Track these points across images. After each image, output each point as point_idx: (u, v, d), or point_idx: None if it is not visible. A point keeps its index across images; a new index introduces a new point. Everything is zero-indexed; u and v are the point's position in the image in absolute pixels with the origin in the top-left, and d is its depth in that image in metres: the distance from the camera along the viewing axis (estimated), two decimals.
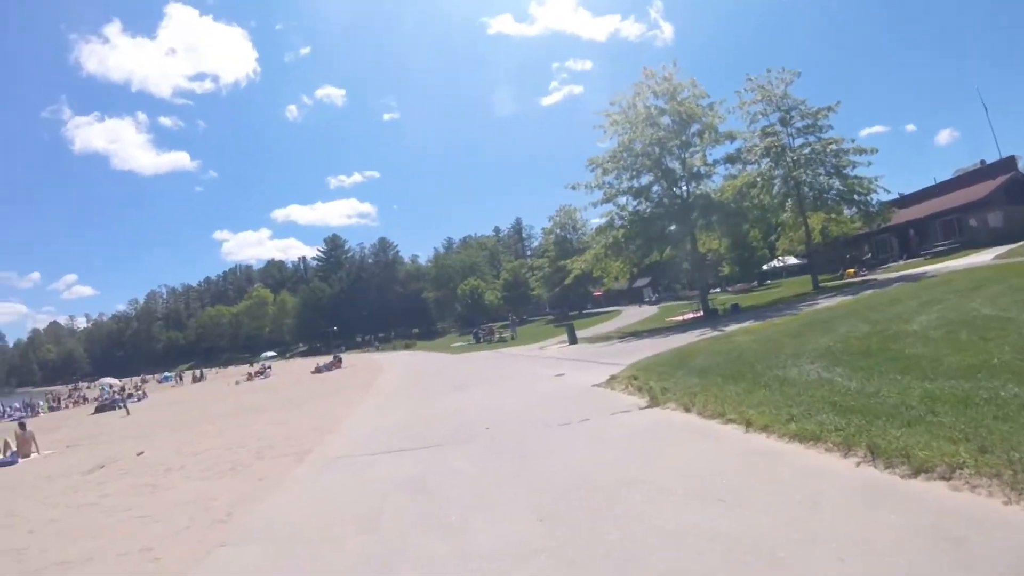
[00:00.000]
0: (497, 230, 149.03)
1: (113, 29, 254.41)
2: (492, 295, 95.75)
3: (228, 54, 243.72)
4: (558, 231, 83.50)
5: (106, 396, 46.66)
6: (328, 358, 57.65)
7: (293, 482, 8.32)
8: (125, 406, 36.23)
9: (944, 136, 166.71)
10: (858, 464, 5.04)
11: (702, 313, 32.80)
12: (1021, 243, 32.85)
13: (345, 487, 7.44)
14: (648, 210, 32.29)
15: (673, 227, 32.57)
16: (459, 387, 17.81)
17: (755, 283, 60.86)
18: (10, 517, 8.95)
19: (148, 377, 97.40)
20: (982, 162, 50.44)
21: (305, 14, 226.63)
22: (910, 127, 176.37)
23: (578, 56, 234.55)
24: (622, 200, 32.38)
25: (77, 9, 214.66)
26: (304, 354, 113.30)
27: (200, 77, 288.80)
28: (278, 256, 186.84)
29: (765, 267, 65.73)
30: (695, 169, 31.71)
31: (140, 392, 52.45)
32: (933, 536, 3.59)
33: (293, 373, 53.43)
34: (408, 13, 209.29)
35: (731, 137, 32.77)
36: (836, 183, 34.83)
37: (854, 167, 34.32)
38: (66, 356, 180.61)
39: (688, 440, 6.94)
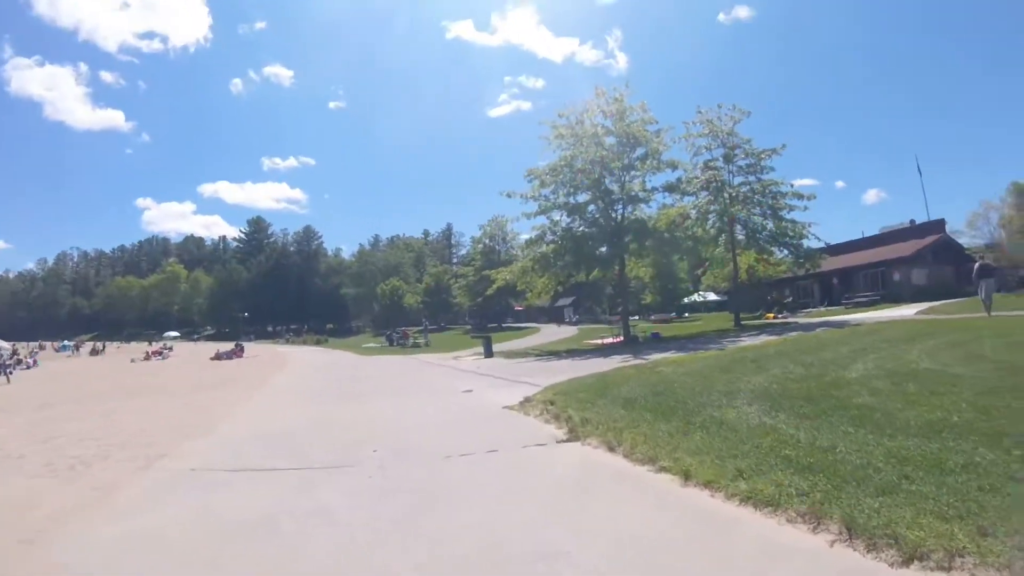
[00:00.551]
0: (426, 233, 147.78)
1: None
2: (412, 298, 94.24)
3: (182, 16, 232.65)
4: (487, 241, 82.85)
5: None
6: (231, 345, 54.96)
7: (121, 502, 6.65)
8: (7, 373, 33.31)
9: (871, 195, 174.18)
10: (832, 543, 4.04)
11: (622, 338, 32.05)
12: (942, 302, 33.77)
13: (177, 521, 5.73)
14: (581, 229, 31.47)
15: (604, 248, 31.82)
16: (358, 395, 16.32)
17: (674, 314, 61.13)
18: None
19: (46, 344, 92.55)
20: (912, 222, 52.26)
21: None
22: (839, 183, 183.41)
23: (532, 73, 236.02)
24: (556, 215, 31.48)
25: None
26: (211, 338, 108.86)
27: (149, 35, 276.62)
28: (200, 232, 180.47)
29: (686, 300, 66.49)
30: (633, 193, 31.04)
31: (31, 360, 48.90)
32: None
33: (193, 357, 50.89)
34: (370, 4, 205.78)
35: (673, 166, 32.23)
36: (770, 224, 34.84)
37: (790, 210, 34.46)
38: None
39: (617, 493, 5.72)
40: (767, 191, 34.85)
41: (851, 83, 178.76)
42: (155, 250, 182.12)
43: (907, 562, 3.61)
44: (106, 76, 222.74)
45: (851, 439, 6.04)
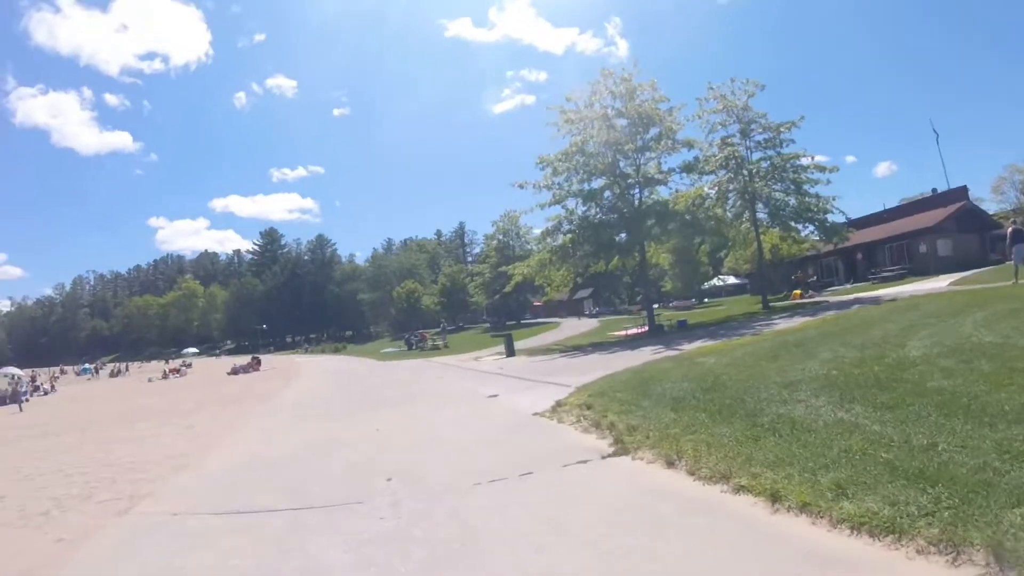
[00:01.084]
0: (439, 234, 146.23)
1: None
2: (429, 299, 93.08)
3: (181, 35, 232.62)
4: (500, 237, 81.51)
5: (6, 388, 42.48)
6: (247, 359, 54.12)
7: (79, 561, 5.54)
8: (20, 402, 32.60)
9: (883, 168, 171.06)
10: None
11: (647, 328, 30.77)
12: (973, 271, 32.37)
13: None
14: (599, 216, 30.16)
15: (623, 235, 30.56)
16: (375, 405, 15.13)
17: (694, 300, 59.70)
18: None
19: (67, 368, 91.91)
20: (934, 190, 50.55)
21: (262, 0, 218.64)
22: (850, 158, 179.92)
23: (533, 66, 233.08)
24: (571, 204, 30.08)
25: None
26: (232, 352, 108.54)
27: (150, 56, 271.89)
28: (215, 248, 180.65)
29: (705, 285, 65.10)
30: (650, 175, 29.70)
31: (48, 385, 48.25)
32: None
33: (211, 372, 49.94)
34: (366, 8, 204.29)
35: (689, 145, 30.86)
36: (792, 200, 33.47)
37: (814, 184, 33.10)
38: None
39: (690, 528, 4.50)
40: (788, 165, 33.52)
41: (855, 57, 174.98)
42: (170, 268, 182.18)
43: None
44: (110, 99, 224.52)
45: (949, 432, 5.11)
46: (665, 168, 30.44)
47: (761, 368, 9.95)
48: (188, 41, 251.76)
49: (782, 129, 33.91)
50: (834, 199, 33.27)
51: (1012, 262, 21.36)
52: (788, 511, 4.38)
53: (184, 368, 58.16)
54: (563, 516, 5.08)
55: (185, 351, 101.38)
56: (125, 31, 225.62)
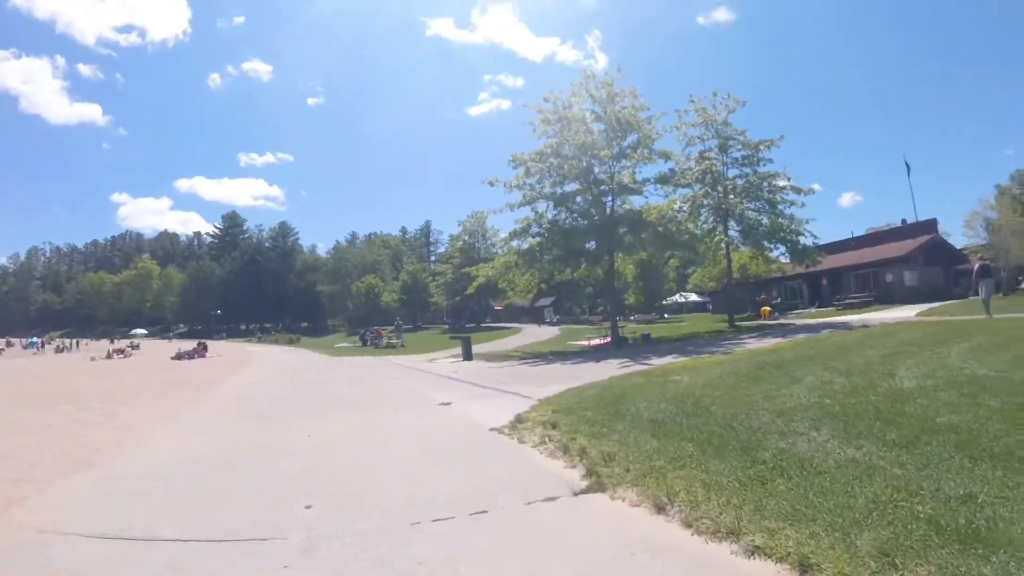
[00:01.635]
0: (404, 231, 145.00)
1: None
2: (389, 296, 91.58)
3: (161, 9, 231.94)
4: (466, 238, 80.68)
5: None
6: (194, 344, 52.25)
7: None
8: None
9: (847, 199, 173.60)
10: None
11: (610, 339, 29.85)
12: (939, 303, 32.97)
13: None
14: (568, 221, 29.16)
15: (593, 243, 29.58)
16: (312, 407, 13.68)
17: (655, 315, 59.17)
18: None
19: (14, 340, 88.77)
20: (903, 221, 50.92)
21: None
22: (815, 186, 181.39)
23: (511, 72, 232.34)
24: (542, 206, 29.08)
25: None
26: (184, 336, 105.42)
27: (128, 29, 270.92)
28: (177, 229, 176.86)
29: (666, 301, 64.84)
30: (624, 183, 28.84)
31: None
32: None
33: (156, 356, 47.68)
34: (350, 0, 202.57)
35: (665, 156, 30.17)
36: (764, 220, 32.96)
37: (790, 205, 32.73)
38: None
39: None
40: (764, 184, 33.13)
41: (827, 87, 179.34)
42: (128, 246, 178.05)
43: None
44: (83, 69, 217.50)
45: (981, 480, 4.45)
46: (640, 179, 29.68)
47: (744, 391, 9.14)
48: (167, 17, 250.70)
49: (761, 147, 33.45)
50: (807, 222, 33.04)
51: (980, 297, 21.67)
52: None
53: (130, 349, 56.35)
54: (523, 565, 3.98)
55: (133, 332, 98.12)
56: (104, 1, 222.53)
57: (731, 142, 34.05)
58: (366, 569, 4.06)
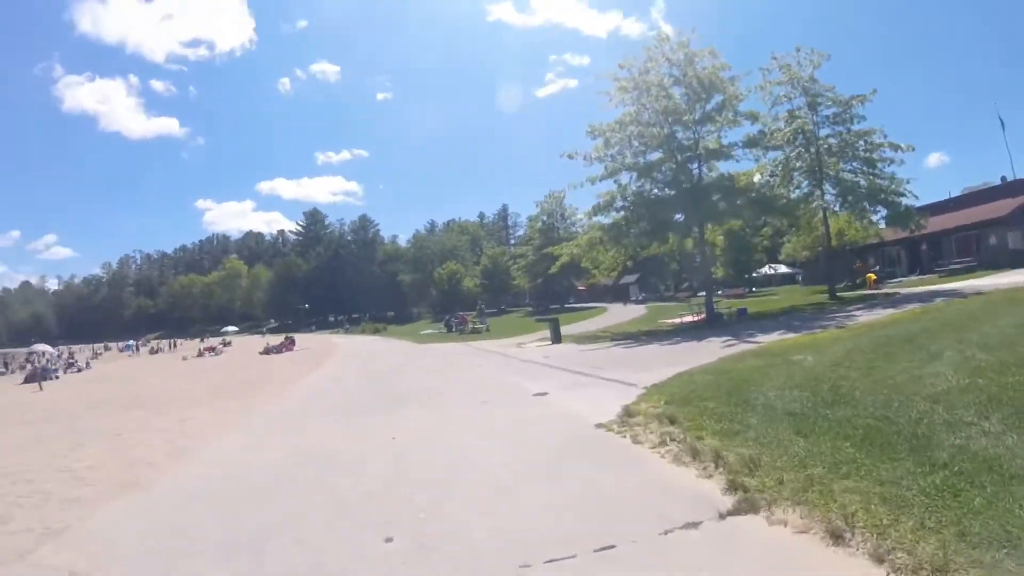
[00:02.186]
0: (482, 216, 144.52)
1: None
2: (471, 281, 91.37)
3: (225, 22, 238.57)
4: (545, 218, 79.34)
5: (37, 365, 41.91)
6: (281, 338, 53.07)
7: None
8: (47, 379, 31.64)
9: (934, 159, 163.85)
10: None
11: (704, 316, 28.22)
12: None
13: None
14: (654, 191, 27.74)
15: (682, 214, 28.10)
16: (398, 399, 12.86)
17: (744, 289, 56.59)
18: None
19: (111, 345, 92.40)
20: (1003, 179, 46.68)
21: None
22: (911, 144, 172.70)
23: (576, 51, 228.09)
24: (624, 178, 27.73)
25: None
26: (275, 330, 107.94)
27: (195, 43, 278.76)
28: (262, 229, 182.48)
29: (755, 273, 62.04)
30: (711, 148, 27.19)
31: (83, 363, 47.60)
32: None
33: (247, 352, 48.54)
34: None
35: (753, 117, 28.24)
36: (862, 181, 30.56)
37: (889, 163, 30.00)
38: (34, 318, 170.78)
39: None
40: (860, 142, 30.54)
41: (911, 41, 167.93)
42: (215, 248, 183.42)
43: None
44: (156, 85, 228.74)
45: None
46: (726, 143, 27.93)
47: (881, 372, 7.86)
48: (232, 28, 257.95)
49: (853, 103, 30.83)
50: (907, 181, 30.22)
51: None
52: None
53: (221, 347, 57.46)
54: None
55: (224, 329, 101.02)
56: (170, 19, 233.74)
57: (820, 99, 31.43)
58: None
